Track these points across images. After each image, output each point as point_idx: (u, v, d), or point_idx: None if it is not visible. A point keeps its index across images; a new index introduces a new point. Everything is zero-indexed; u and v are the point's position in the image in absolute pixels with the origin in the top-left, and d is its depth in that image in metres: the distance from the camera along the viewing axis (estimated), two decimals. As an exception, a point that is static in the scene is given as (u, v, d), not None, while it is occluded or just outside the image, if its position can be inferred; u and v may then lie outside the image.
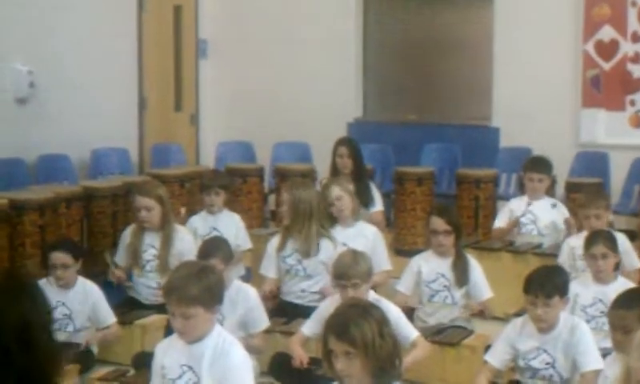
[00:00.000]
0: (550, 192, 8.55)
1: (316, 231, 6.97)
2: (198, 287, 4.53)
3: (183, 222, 7.85)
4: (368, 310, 3.65)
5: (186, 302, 4.51)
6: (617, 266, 6.33)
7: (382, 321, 3.62)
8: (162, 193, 7.29)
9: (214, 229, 7.69)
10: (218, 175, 8.68)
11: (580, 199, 7.60)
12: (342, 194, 7.31)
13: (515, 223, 8.21)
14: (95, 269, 7.68)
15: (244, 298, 6.00)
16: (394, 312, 5.57)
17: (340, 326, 3.58)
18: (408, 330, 5.77)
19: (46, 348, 2.90)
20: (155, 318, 6.80)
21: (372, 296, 5.71)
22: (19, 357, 2.82)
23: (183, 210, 8.69)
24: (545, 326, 5.35)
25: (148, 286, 7.17)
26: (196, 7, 12.23)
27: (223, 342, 4.64)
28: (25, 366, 2.84)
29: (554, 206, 8.26)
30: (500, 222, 8.39)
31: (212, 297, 4.62)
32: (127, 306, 7.12)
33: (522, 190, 8.63)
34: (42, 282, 6.04)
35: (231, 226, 7.80)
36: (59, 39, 10.16)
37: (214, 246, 6.12)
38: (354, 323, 3.55)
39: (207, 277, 4.63)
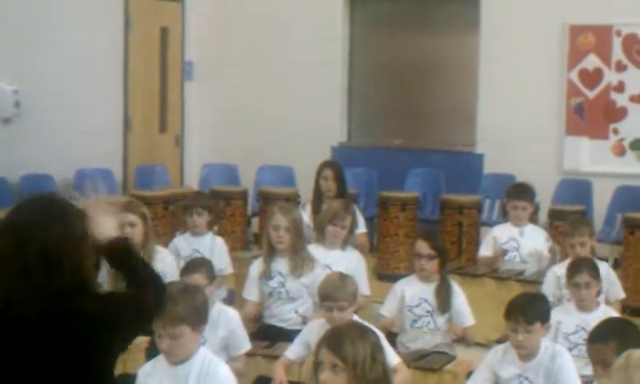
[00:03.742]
0: (534, 219, 8.57)
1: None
2: (183, 307, 4.54)
3: (166, 244, 7.83)
4: (365, 332, 3.66)
5: (173, 321, 4.51)
6: (598, 294, 6.36)
7: (377, 346, 3.62)
8: (146, 211, 7.28)
9: (197, 251, 7.66)
10: (200, 196, 8.66)
11: (564, 227, 7.62)
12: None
13: (501, 253, 8.22)
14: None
15: (225, 320, 5.98)
16: (376, 337, 5.57)
17: (334, 339, 3.58)
18: (389, 356, 5.76)
19: (72, 269, 3.26)
20: (137, 340, 6.75)
21: (355, 320, 5.71)
22: (41, 277, 3.22)
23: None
24: (526, 353, 5.36)
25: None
26: (182, 29, 12.26)
27: (209, 362, 4.65)
28: (47, 286, 3.22)
29: (547, 240, 8.28)
30: (485, 250, 8.40)
31: (198, 316, 4.63)
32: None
33: (505, 216, 8.65)
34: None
35: (214, 249, 7.77)
36: (45, 59, 10.17)
37: (198, 262, 6.17)
38: (350, 339, 3.55)
39: (193, 296, 4.65)
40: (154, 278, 3.48)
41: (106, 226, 3.44)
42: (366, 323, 5.53)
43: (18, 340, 3.21)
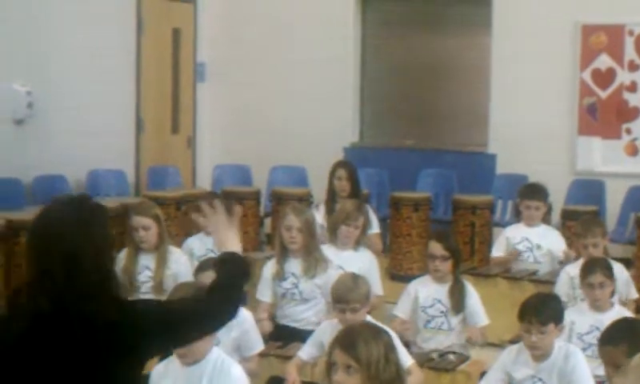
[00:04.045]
0: (546, 219, 8.56)
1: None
2: None
3: (179, 245, 7.84)
4: (379, 332, 3.66)
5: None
6: (612, 294, 6.35)
7: (390, 346, 3.62)
8: (158, 212, 7.30)
9: (211, 250, 7.65)
10: (213, 196, 8.66)
11: (576, 228, 7.60)
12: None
13: (515, 255, 8.20)
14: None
15: (238, 321, 5.98)
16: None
17: (348, 339, 3.58)
18: (403, 357, 5.76)
19: (94, 271, 3.31)
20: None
21: (369, 320, 5.70)
22: (64, 279, 3.27)
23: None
24: (539, 354, 5.36)
25: (143, 308, 7.14)
26: (194, 31, 12.27)
27: (222, 362, 4.66)
28: (69, 287, 3.27)
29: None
30: (497, 250, 8.39)
31: None
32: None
33: (518, 217, 8.63)
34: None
35: (228, 249, 7.76)
36: (58, 60, 10.19)
37: (211, 262, 6.16)
38: (363, 340, 3.55)
39: None
40: (232, 298, 3.63)
41: (226, 241, 3.71)
42: (379, 324, 5.55)
43: (40, 340, 3.23)
